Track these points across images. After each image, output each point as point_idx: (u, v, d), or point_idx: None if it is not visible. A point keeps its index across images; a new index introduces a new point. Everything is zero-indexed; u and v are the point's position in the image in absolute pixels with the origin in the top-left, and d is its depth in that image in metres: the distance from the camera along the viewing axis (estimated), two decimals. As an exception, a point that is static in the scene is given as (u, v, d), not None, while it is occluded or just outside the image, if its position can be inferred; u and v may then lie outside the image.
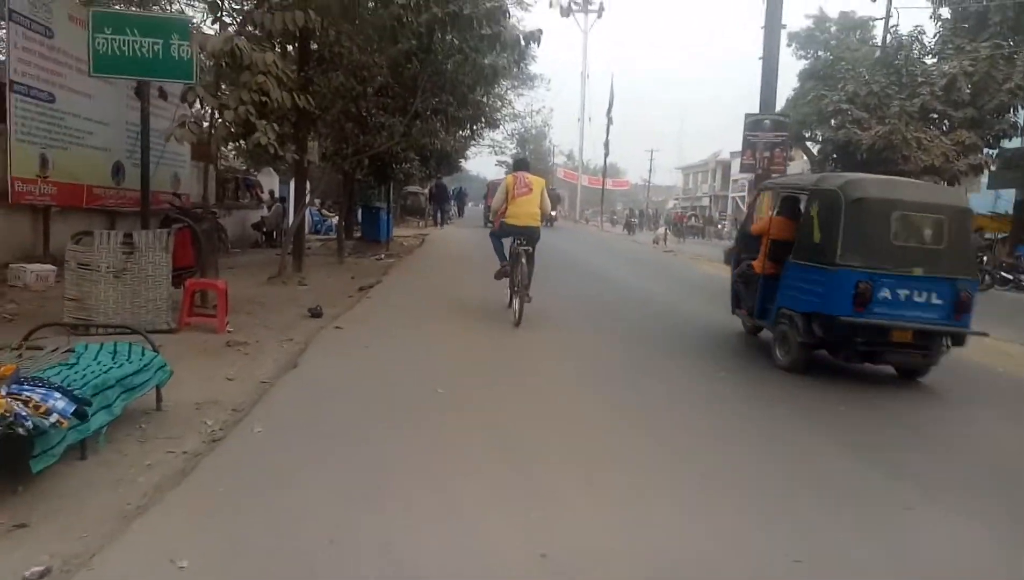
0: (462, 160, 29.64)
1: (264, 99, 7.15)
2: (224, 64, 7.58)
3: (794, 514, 3.56)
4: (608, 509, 3.41)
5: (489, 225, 9.36)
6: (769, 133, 15.60)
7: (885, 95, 25.07)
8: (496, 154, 44.65)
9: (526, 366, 6.29)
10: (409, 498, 3.37)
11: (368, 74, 11.69)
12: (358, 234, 20.00)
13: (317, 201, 29.25)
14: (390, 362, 5.96)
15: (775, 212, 8.13)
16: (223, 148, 19.35)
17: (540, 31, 11.80)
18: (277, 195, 21.76)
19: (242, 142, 8.38)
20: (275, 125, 7.59)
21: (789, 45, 40.16)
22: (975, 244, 9.39)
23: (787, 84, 49.23)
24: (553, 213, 9.32)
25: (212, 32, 8.28)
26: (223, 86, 8.00)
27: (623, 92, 59.34)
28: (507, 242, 8.58)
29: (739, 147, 60.12)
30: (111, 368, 3.95)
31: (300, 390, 5.06)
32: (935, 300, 6.56)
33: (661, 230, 28.61)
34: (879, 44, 30.89)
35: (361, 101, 11.18)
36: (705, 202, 69.34)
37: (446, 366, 5.96)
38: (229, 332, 6.84)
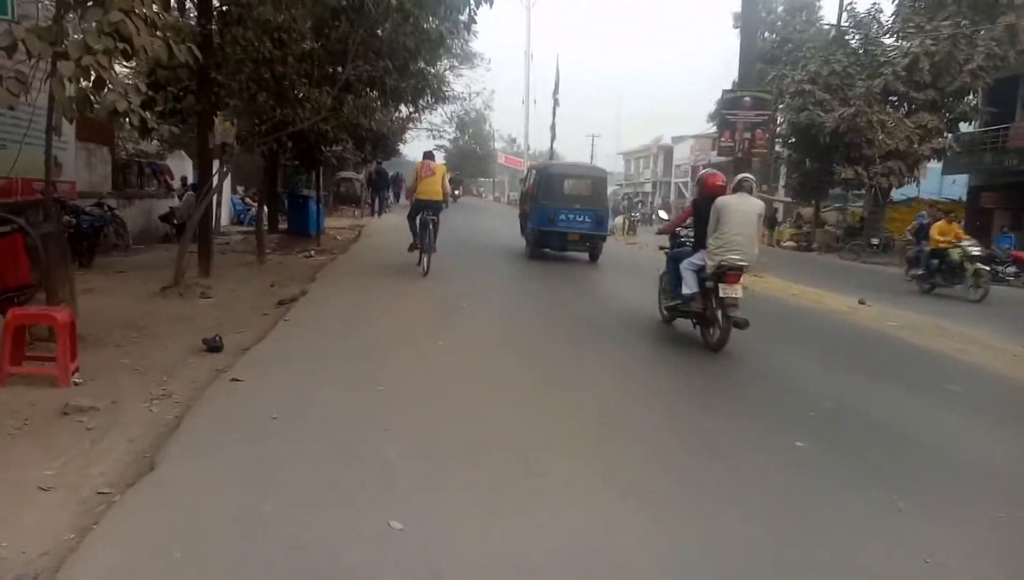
0: (400, 144, 27.35)
1: (124, 47, 4.95)
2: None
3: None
4: None
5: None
6: (749, 111, 13.96)
7: (847, 75, 23.98)
8: (434, 138, 42.43)
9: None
10: None
11: (287, 36, 9.47)
12: (284, 226, 17.61)
13: (240, 188, 26.58)
14: (308, 455, 3.65)
15: (532, 180, 15.29)
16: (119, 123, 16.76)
17: (494, -13, 9.89)
18: (190, 181, 19.08)
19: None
20: (141, 86, 5.37)
21: (735, 27, 39.52)
22: (605, 192, 15.77)
23: (732, 68, 48.65)
24: (457, 193, 14.34)
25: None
26: (70, 30, 5.69)
27: (562, 79, 57.44)
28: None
29: (680, 132, 59.07)
30: None
31: (148, 529, 2.86)
32: (587, 219, 13.69)
33: (619, 220, 26.89)
34: (828, 25, 29.98)
35: (276, 66, 8.95)
36: (648, 188, 68.46)
37: (396, 460, 3.69)
38: (76, 384, 4.68)
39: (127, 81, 5.21)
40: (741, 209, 6.91)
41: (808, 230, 29.30)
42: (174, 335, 6.25)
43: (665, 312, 8.17)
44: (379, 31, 10.01)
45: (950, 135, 24.85)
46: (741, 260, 6.74)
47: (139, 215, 16.34)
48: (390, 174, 27.35)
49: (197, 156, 10.56)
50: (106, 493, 3.20)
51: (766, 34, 36.91)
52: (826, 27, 30.09)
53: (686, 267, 7.30)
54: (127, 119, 5.07)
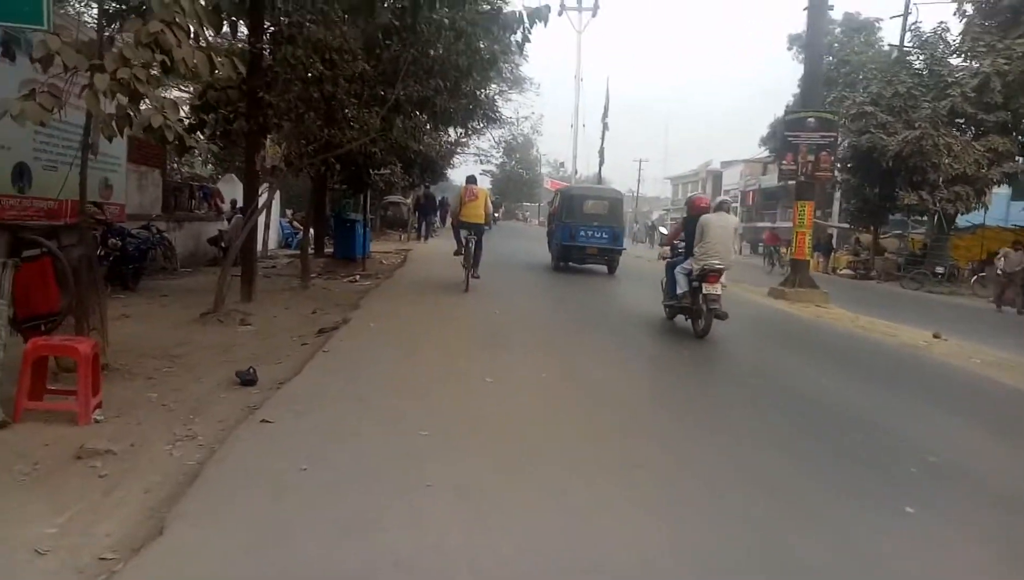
0: (448, 168, 27.18)
1: (163, 59, 4.65)
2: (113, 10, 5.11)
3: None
4: None
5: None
6: (814, 133, 13.22)
7: (911, 97, 22.99)
8: (482, 163, 42.25)
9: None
10: None
11: (338, 57, 9.23)
12: (331, 250, 17.43)
13: (288, 211, 26.65)
14: (339, 519, 3.10)
15: (558, 201, 17.81)
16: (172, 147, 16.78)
17: (548, 7, 9.51)
18: (239, 205, 19.11)
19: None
20: (180, 103, 5.06)
21: (789, 48, 38.79)
22: (622, 212, 17.80)
23: (787, 90, 47.69)
24: (497, 215, 13.75)
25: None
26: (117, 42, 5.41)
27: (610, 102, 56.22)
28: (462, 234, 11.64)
29: (730, 157, 58.23)
30: None
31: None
32: (604, 235, 15.54)
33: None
34: (889, 46, 28.96)
35: (326, 85, 8.69)
36: (696, 213, 67.27)
37: (439, 527, 3.10)
38: (97, 422, 4.33)
39: (165, 97, 4.88)
40: (720, 224, 8.64)
41: (866, 257, 28.07)
42: (208, 366, 5.90)
43: (667, 310, 9.78)
44: (431, 51, 9.70)
45: (1022, 159, 23.61)
46: (719, 264, 8.43)
47: (188, 238, 16.35)
48: (438, 198, 27.14)
49: (244, 179, 10.33)
50: (108, 559, 2.78)
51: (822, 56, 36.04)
52: (886, 48, 29.10)
53: (679, 271, 9.09)
54: (168, 139, 4.72)
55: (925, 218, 27.45)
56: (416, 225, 26.34)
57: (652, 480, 3.95)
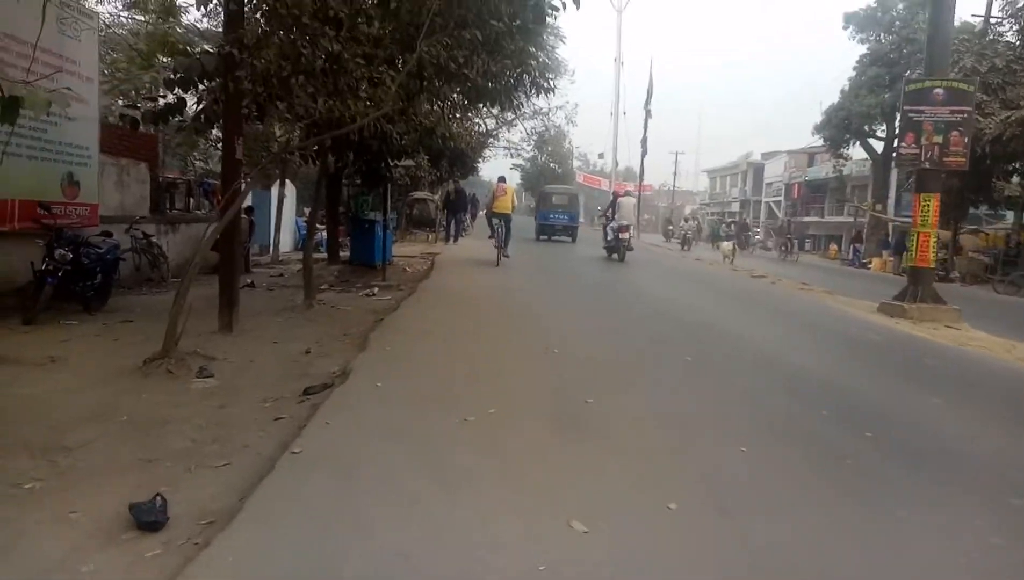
0: (480, 160, 24.95)
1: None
2: None
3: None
4: None
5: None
6: (942, 108, 10.51)
7: (1010, 71, 20.04)
8: (512, 157, 39.67)
9: None
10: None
11: (344, 13, 6.84)
12: (346, 254, 15.15)
13: (307, 210, 24.45)
14: None
15: (537, 197, 35.11)
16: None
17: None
18: (247, 203, 16.87)
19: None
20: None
21: (845, 27, 36.06)
22: (578, 202, 30.17)
23: (843, 72, 44.64)
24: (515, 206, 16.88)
25: None
26: None
27: (640, 94, 52.29)
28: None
29: (771, 148, 55.14)
30: None
31: None
32: (565, 217, 27.48)
33: (727, 245, 23.49)
34: (973, 16, 25.89)
35: (320, 41, 6.30)
36: (735, 208, 64.43)
37: None
38: None
39: None
40: (626, 202, 19.20)
41: (945, 256, 25.07)
42: (110, 472, 3.56)
43: (605, 250, 18.73)
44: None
45: None
46: (626, 222, 18.17)
47: (184, 242, 14.15)
48: (468, 194, 24.82)
49: (221, 167, 8.03)
50: None
51: (882, 36, 33.16)
52: (969, 18, 26.06)
53: (608, 228, 18.62)
54: None
55: (1004, 212, 24.54)
56: (444, 224, 23.94)
57: None
